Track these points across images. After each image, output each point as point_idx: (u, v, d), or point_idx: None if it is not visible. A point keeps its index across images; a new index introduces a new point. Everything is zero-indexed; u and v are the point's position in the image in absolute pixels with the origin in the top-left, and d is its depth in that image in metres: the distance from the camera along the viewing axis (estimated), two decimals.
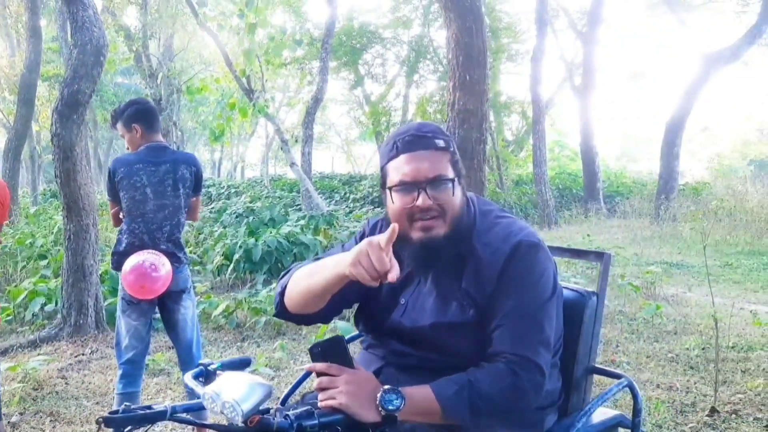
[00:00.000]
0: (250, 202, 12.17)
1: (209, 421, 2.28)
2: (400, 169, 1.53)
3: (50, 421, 3.96)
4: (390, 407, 1.38)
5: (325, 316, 1.69)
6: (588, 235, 10.09)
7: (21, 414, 4.05)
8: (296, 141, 11.77)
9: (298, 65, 18.34)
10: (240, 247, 7.37)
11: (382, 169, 1.60)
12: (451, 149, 1.57)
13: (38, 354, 5.16)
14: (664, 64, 36.64)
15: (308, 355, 1.55)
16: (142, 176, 3.24)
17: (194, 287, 6.61)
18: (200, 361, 1.65)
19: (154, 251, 3.16)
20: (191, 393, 1.52)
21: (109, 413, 1.40)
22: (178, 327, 3.36)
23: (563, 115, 28.04)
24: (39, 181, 19.51)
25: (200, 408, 1.46)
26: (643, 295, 6.47)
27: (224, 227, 10.22)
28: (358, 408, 1.38)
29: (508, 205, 16.64)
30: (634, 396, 1.74)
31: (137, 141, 3.29)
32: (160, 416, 1.43)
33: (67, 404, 4.22)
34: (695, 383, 4.19)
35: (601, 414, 1.80)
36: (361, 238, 1.75)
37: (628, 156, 41.24)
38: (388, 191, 1.56)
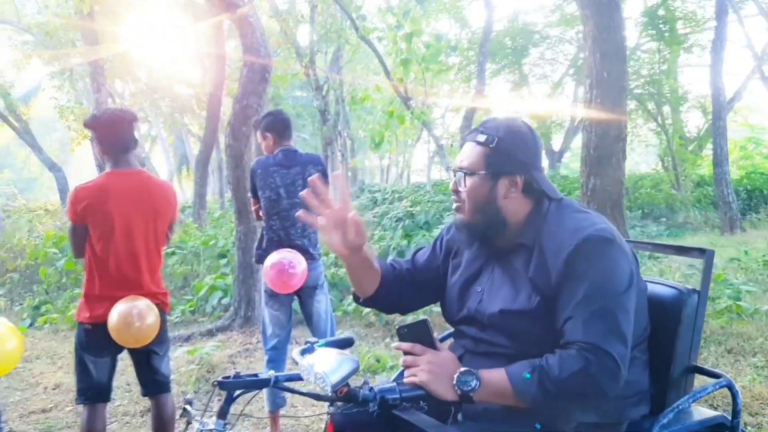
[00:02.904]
0: (411, 206, 12.52)
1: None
2: None
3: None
4: (466, 388, 1.46)
5: (402, 304, 1.91)
6: None
7: (195, 392, 4.60)
8: (452, 145, 11.95)
9: (459, 70, 18.49)
10: (393, 249, 7.67)
11: None
12: (492, 146, 1.63)
13: (213, 342, 5.80)
14: None
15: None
16: (276, 178, 3.58)
17: (349, 286, 7.07)
18: (308, 339, 1.85)
19: (291, 250, 3.47)
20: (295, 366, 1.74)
21: (223, 378, 1.64)
22: (312, 319, 3.68)
23: (758, 110, 25.18)
24: (225, 188, 21.56)
25: (299, 378, 1.65)
26: None
27: (384, 230, 10.64)
28: (437, 386, 1.48)
29: (685, 208, 15.42)
30: (734, 396, 1.66)
31: (270, 147, 3.67)
32: (265, 383, 1.66)
33: None
34: None
35: (700, 414, 1.74)
36: (441, 239, 1.91)
37: None
38: None
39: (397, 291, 1.84)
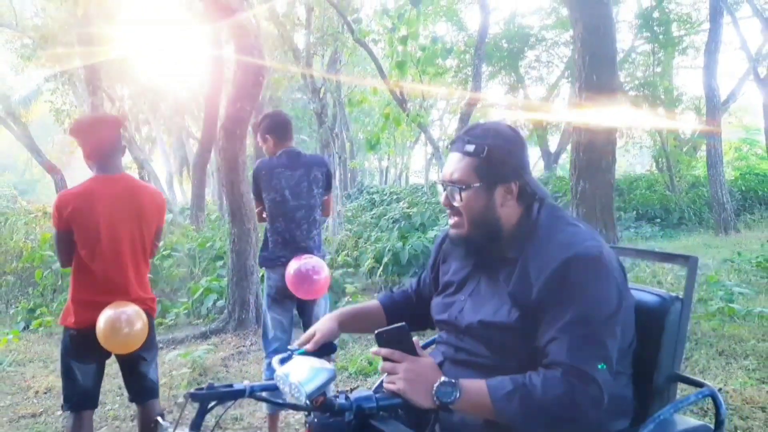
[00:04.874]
0: (408, 208, 12.53)
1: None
2: None
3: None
4: (445, 399, 1.42)
5: (416, 325, 1.91)
6: None
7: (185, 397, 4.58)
8: (447, 147, 11.91)
9: (456, 73, 18.51)
10: (389, 250, 7.68)
11: None
12: (482, 155, 1.58)
13: (207, 344, 5.78)
14: None
15: None
16: (281, 180, 3.59)
17: (344, 288, 7.09)
18: (289, 346, 1.82)
19: (311, 255, 3.48)
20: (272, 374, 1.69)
21: (196, 389, 1.60)
22: (310, 324, 3.67)
23: (753, 111, 25.18)
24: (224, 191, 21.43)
25: (275, 388, 1.60)
26: None
27: (381, 232, 10.66)
28: (415, 395, 1.44)
29: (679, 209, 15.45)
30: (717, 406, 1.65)
31: (271, 149, 3.67)
32: (240, 394, 1.58)
33: None
34: None
35: (683, 423, 1.73)
36: (436, 253, 1.92)
37: None
38: None
39: (408, 316, 1.82)
